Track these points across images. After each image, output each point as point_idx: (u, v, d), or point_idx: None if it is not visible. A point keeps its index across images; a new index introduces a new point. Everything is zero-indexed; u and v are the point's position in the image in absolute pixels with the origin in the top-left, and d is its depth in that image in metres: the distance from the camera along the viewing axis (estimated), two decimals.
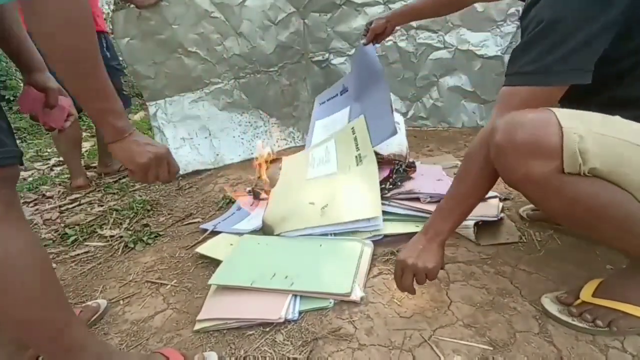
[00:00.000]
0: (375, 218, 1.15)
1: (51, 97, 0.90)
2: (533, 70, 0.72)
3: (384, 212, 1.20)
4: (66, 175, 2.36)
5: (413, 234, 1.15)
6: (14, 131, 0.73)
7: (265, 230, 1.24)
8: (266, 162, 1.65)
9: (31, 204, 1.99)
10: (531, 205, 1.24)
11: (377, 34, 1.36)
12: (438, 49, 2.13)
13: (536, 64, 0.71)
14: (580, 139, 0.62)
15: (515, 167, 0.67)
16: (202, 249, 1.25)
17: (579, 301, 0.82)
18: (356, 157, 1.37)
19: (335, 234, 1.18)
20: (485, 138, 0.74)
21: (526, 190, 0.72)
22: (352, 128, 1.45)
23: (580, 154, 0.62)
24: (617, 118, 0.67)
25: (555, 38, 0.68)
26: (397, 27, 1.45)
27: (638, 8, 0.66)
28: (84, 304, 1.06)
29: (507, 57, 1.97)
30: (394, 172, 1.32)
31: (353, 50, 2.19)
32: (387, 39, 1.32)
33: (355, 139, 1.42)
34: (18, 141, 3.15)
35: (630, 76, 0.73)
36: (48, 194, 2.11)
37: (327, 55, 2.27)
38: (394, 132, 1.27)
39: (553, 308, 0.83)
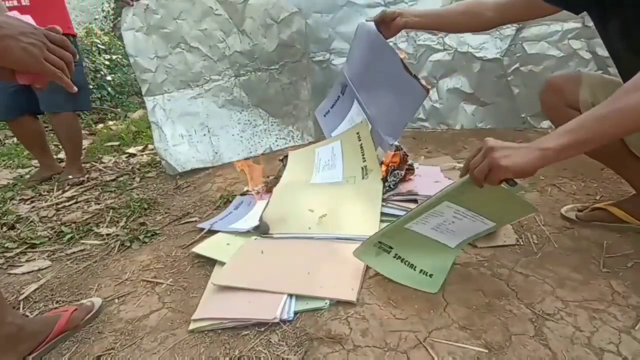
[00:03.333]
0: None
1: None
2: None
3: (382, 214, 1.20)
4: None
5: None
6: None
7: (261, 227, 1.24)
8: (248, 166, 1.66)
9: (28, 202, 1.98)
10: (573, 205, 1.22)
11: (384, 19, 1.20)
12: (438, 50, 2.13)
13: None
14: None
15: None
16: (199, 249, 1.25)
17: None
18: (362, 168, 1.37)
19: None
20: None
21: None
22: (357, 133, 1.45)
23: None
24: None
25: None
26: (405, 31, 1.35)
27: None
28: (78, 302, 1.06)
29: (506, 60, 1.97)
30: (390, 174, 1.32)
31: (348, 52, 2.18)
32: (388, 40, 1.25)
33: (362, 146, 1.41)
34: (14, 139, 3.15)
35: None
36: (44, 192, 2.10)
37: (328, 55, 2.27)
38: (426, 93, 1.21)
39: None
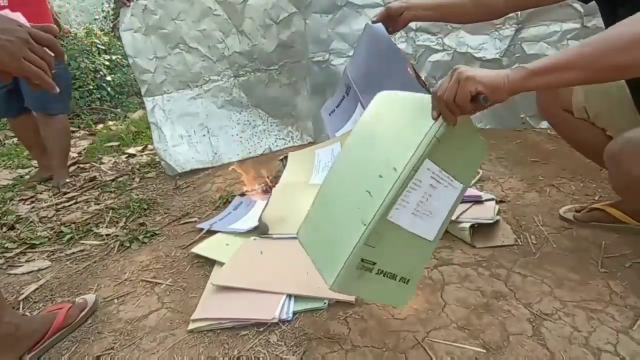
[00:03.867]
0: None
1: None
2: None
3: None
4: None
5: None
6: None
7: (260, 227, 1.24)
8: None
9: (28, 202, 1.98)
10: (571, 206, 1.22)
11: (390, 15, 1.13)
12: (437, 51, 2.13)
13: None
14: None
15: None
16: (198, 249, 1.25)
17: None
18: None
19: None
20: None
21: None
22: None
23: None
24: None
25: None
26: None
27: None
28: (71, 300, 1.06)
29: (505, 60, 1.97)
30: None
31: (353, 52, 2.18)
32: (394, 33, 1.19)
33: None
34: (15, 139, 3.16)
35: None
36: (45, 192, 2.11)
37: (327, 56, 2.27)
38: None
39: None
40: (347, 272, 0.78)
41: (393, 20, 1.15)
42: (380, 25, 1.19)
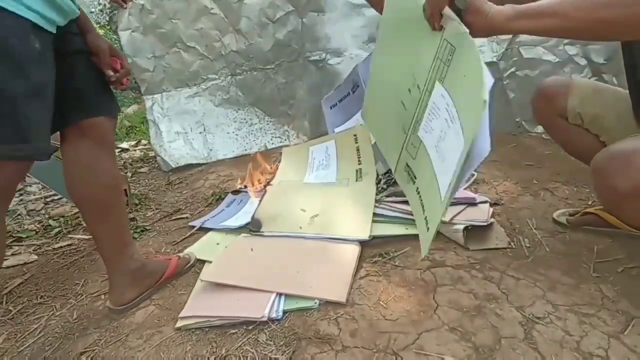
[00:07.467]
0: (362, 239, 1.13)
1: (103, 57, 0.89)
2: None
3: (374, 214, 1.20)
4: None
5: (402, 236, 1.16)
6: None
7: (253, 224, 1.22)
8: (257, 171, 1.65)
9: (16, 194, 1.95)
10: (565, 210, 1.22)
11: None
12: None
13: None
14: None
15: None
16: (190, 251, 1.23)
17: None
18: (357, 171, 1.35)
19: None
20: None
21: None
22: (355, 135, 1.44)
23: None
24: None
25: None
26: None
27: None
28: (176, 254, 1.17)
29: (502, 64, 1.98)
30: (383, 175, 1.31)
31: (350, 51, 2.18)
32: None
33: (358, 149, 1.40)
34: None
35: None
36: (34, 185, 2.07)
37: (323, 55, 2.26)
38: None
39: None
40: (400, 168, 0.92)
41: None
42: None
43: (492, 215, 1.23)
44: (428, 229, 0.84)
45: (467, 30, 0.72)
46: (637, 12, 0.61)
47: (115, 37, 4.74)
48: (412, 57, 0.85)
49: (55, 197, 1.87)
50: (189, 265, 1.13)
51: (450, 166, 0.75)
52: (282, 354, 0.80)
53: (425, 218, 0.86)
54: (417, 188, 0.87)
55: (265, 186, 1.49)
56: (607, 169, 0.78)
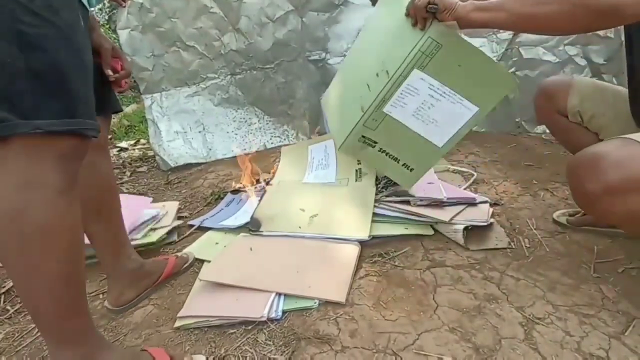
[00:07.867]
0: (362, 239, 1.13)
1: (105, 57, 0.87)
2: None
3: (374, 214, 1.19)
4: None
5: (401, 236, 1.16)
6: None
7: (252, 223, 1.22)
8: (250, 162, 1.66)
9: None
10: (565, 210, 1.22)
11: None
12: None
13: None
14: None
15: None
16: (189, 250, 1.22)
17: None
18: (356, 171, 1.35)
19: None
20: None
21: None
22: None
23: None
24: None
25: None
26: None
27: None
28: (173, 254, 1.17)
29: (502, 64, 1.97)
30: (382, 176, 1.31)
31: (349, 51, 2.17)
32: None
33: None
34: None
35: None
36: None
37: (323, 54, 2.26)
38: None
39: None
40: (350, 142, 1.02)
41: None
42: None
43: (492, 216, 1.23)
44: (412, 169, 1.06)
45: (455, 32, 0.85)
46: (559, 10, 0.72)
47: (114, 35, 4.73)
48: (385, 47, 1.00)
49: None
50: (187, 264, 1.13)
51: (445, 124, 0.97)
52: (282, 354, 0.79)
53: (404, 164, 1.06)
54: (381, 148, 1.03)
55: (264, 186, 1.49)
56: (578, 171, 0.79)
